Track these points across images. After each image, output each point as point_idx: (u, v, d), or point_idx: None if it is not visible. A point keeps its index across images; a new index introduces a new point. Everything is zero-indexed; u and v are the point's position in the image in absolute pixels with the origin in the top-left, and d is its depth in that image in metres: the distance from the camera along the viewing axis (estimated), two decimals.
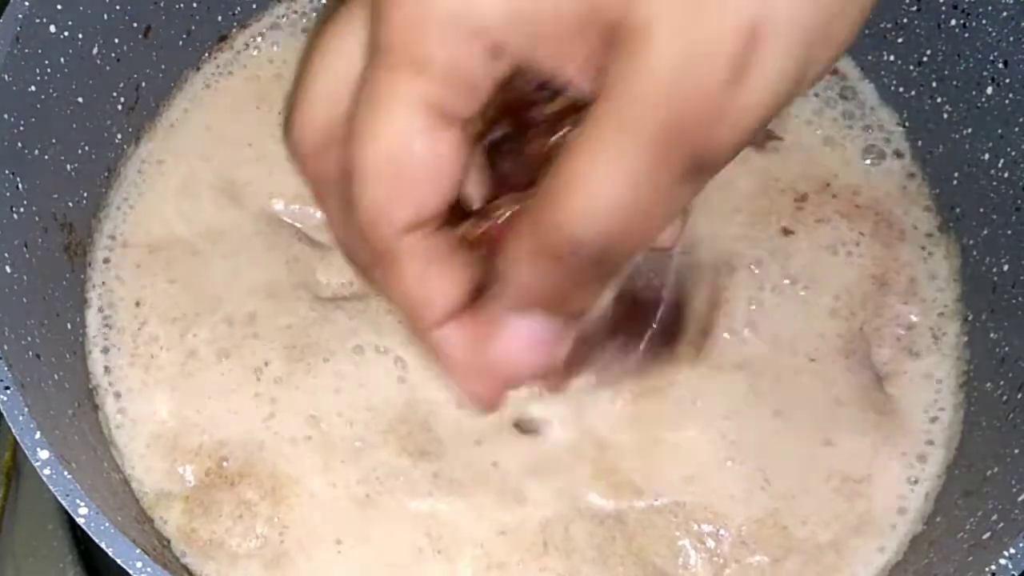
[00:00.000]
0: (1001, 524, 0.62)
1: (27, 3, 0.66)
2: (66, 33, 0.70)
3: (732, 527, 0.70)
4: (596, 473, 0.71)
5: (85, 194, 0.75)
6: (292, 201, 0.81)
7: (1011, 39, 0.72)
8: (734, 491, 0.71)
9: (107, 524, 0.56)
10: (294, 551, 0.70)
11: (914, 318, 0.78)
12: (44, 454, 0.57)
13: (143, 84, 0.79)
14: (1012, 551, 0.58)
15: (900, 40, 0.81)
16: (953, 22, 0.76)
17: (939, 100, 0.79)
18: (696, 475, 0.72)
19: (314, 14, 0.88)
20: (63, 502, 0.57)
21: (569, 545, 0.70)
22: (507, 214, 0.44)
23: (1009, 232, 0.73)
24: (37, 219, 0.69)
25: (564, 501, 0.71)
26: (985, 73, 0.74)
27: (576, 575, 0.69)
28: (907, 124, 0.82)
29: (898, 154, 0.82)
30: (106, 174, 0.77)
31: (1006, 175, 0.74)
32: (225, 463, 0.71)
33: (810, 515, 0.71)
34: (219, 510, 0.70)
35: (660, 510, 0.71)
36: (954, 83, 0.77)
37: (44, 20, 0.68)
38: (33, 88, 0.68)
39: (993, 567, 0.58)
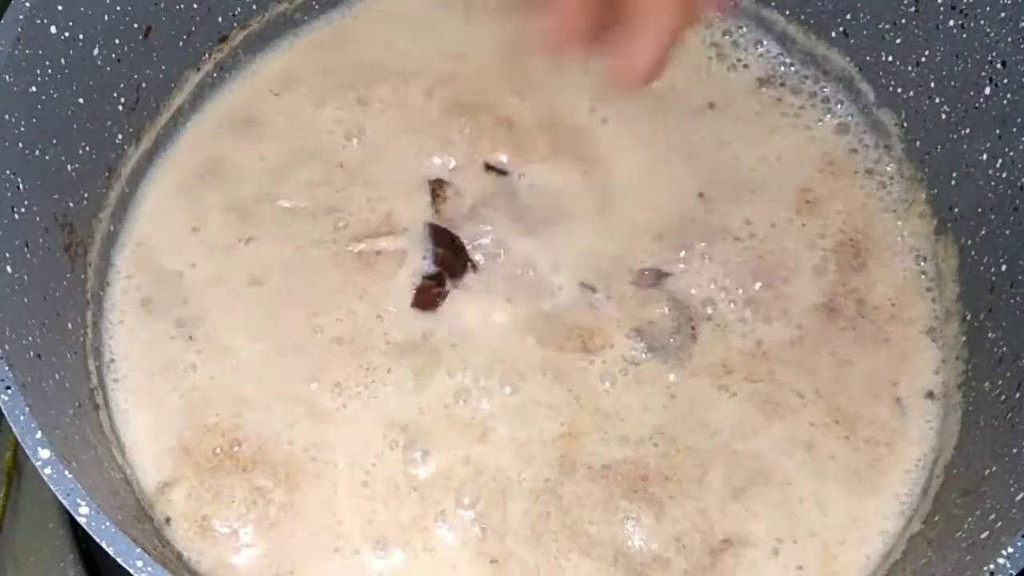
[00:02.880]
0: (999, 523, 0.62)
1: (28, 4, 0.67)
2: (67, 34, 0.70)
3: (651, 467, 0.72)
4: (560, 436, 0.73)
5: (86, 194, 0.75)
6: (297, 198, 0.82)
7: (1009, 40, 0.72)
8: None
9: (107, 523, 0.56)
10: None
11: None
12: (45, 453, 0.57)
13: (143, 84, 0.79)
14: (1010, 550, 0.58)
15: (898, 41, 0.81)
16: (951, 23, 0.76)
17: (937, 100, 0.79)
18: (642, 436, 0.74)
19: (314, 15, 0.89)
20: (64, 501, 0.57)
21: (504, 527, 0.71)
22: None
23: (1007, 232, 0.73)
24: (38, 219, 0.69)
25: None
26: (983, 73, 0.74)
27: (508, 558, 0.70)
28: (905, 124, 0.82)
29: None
30: (107, 174, 0.78)
31: (1004, 175, 0.74)
32: (237, 447, 0.72)
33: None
34: (231, 495, 0.71)
35: (594, 476, 0.72)
36: (952, 83, 0.78)
37: (45, 21, 0.68)
38: (34, 89, 0.68)
39: (991, 566, 0.58)
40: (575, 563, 0.70)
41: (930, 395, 0.76)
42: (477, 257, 0.79)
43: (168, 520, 0.70)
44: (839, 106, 0.86)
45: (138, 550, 0.56)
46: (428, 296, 0.77)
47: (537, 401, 0.75)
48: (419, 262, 0.79)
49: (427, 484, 0.72)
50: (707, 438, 0.74)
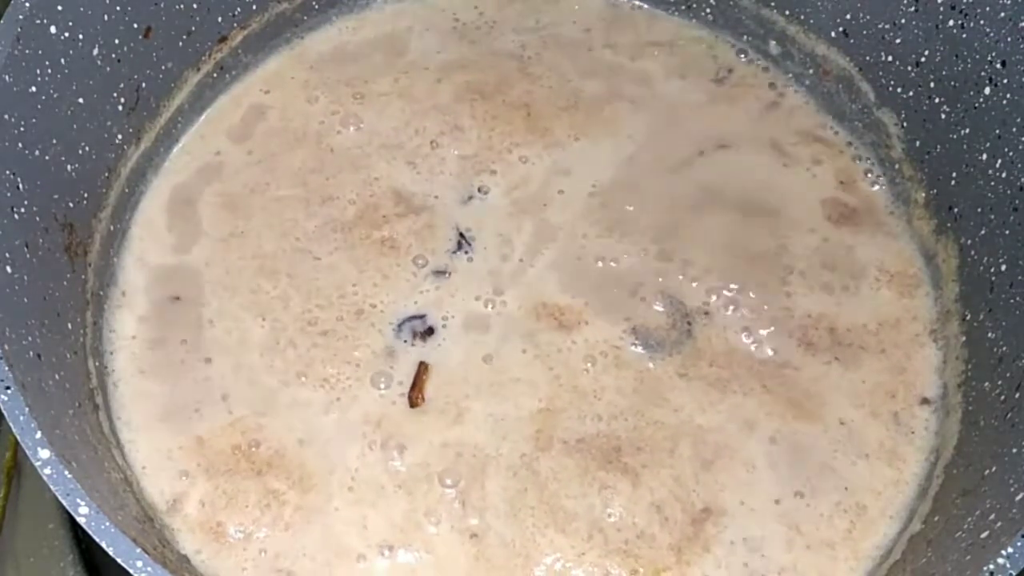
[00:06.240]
0: (999, 523, 0.62)
1: (28, 4, 0.67)
2: (67, 34, 0.70)
3: (623, 439, 0.73)
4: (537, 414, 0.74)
5: (85, 194, 0.75)
6: (289, 188, 0.82)
7: (1009, 40, 0.72)
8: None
9: (107, 523, 0.56)
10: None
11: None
12: (45, 454, 0.57)
13: (143, 85, 0.79)
14: (1010, 550, 0.58)
15: (898, 40, 0.81)
16: (951, 23, 0.76)
17: (937, 100, 0.79)
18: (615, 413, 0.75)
19: (314, 15, 0.89)
20: (64, 501, 0.57)
21: (483, 502, 0.71)
22: None
23: (1007, 232, 0.73)
24: (38, 219, 0.69)
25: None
26: (983, 73, 0.75)
27: (486, 531, 0.71)
28: (905, 124, 0.82)
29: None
30: (106, 174, 0.78)
31: (1004, 175, 0.74)
32: (255, 448, 0.72)
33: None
34: (245, 500, 0.71)
35: (570, 451, 0.73)
36: (952, 83, 0.78)
37: (45, 21, 0.68)
38: (34, 89, 0.68)
39: (991, 566, 0.58)
40: (550, 539, 0.70)
41: (926, 399, 0.76)
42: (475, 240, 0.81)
43: (176, 531, 0.71)
44: (839, 107, 0.86)
45: (138, 550, 0.56)
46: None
47: (517, 378, 0.76)
48: (424, 246, 0.80)
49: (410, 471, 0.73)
50: (671, 413, 0.75)
